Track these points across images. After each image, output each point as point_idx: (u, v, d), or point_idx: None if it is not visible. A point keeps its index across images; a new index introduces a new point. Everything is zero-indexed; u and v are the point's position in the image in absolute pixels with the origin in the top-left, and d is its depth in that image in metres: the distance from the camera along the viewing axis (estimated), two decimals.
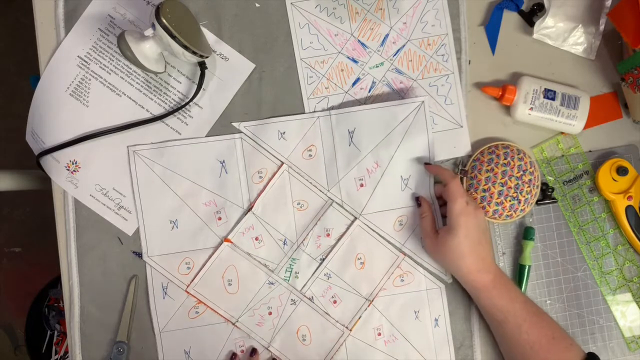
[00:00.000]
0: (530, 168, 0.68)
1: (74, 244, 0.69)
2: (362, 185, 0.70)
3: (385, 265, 0.70)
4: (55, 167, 0.69)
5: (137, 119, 0.69)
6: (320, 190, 0.70)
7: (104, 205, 0.69)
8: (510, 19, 0.72)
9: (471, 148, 0.71)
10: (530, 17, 0.72)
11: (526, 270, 0.69)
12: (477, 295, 0.64)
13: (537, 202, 0.70)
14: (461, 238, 0.62)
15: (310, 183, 0.70)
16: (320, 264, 0.69)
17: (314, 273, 0.69)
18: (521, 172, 0.67)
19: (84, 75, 0.69)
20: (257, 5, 0.71)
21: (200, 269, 0.69)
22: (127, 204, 0.69)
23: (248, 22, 0.71)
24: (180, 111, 0.69)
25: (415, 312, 0.70)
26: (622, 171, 0.69)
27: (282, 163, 0.69)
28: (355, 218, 0.69)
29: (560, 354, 0.61)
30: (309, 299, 0.69)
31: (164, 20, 0.59)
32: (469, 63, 0.72)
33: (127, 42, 0.63)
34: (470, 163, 0.69)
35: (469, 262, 0.62)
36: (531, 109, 0.68)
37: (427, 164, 0.69)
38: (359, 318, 0.69)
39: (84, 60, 0.69)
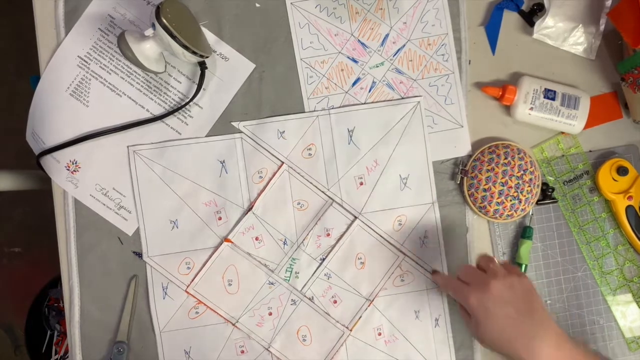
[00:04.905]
0: (531, 167, 0.68)
1: (74, 243, 0.68)
2: (361, 183, 0.70)
3: (386, 265, 0.69)
4: (55, 167, 0.69)
5: (137, 119, 0.69)
6: (321, 190, 0.70)
7: (104, 205, 0.69)
8: (510, 19, 0.72)
9: (471, 148, 0.71)
10: (530, 17, 0.72)
11: (522, 269, 0.69)
12: None
13: (537, 202, 0.70)
14: (487, 329, 0.56)
15: (310, 182, 0.70)
16: (321, 263, 0.69)
17: (314, 273, 0.69)
18: (522, 172, 0.67)
19: (84, 75, 0.69)
20: (257, 5, 0.71)
21: (201, 269, 0.69)
22: (127, 204, 0.69)
23: (248, 22, 0.71)
24: (180, 111, 0.69)
25: (415, 312, 0.69)
26: (622, 171, 0.69)
27: (282, 163, 0.69)
28: (355, 217, 0.69)
29: None
30: (309, 299, 0.69)
31: (164, 20, 0.59)
32: (469, 63, 0.72)
33: (127, 42, 0.63)
34: (471, 163, 0.69)
35: (507, 350, 0.56)
36: (531, 108, 0.68)
37: (434, 273, 0.68)
38: (359, 318, 0.69)
39: (84, 60, 0.69)
